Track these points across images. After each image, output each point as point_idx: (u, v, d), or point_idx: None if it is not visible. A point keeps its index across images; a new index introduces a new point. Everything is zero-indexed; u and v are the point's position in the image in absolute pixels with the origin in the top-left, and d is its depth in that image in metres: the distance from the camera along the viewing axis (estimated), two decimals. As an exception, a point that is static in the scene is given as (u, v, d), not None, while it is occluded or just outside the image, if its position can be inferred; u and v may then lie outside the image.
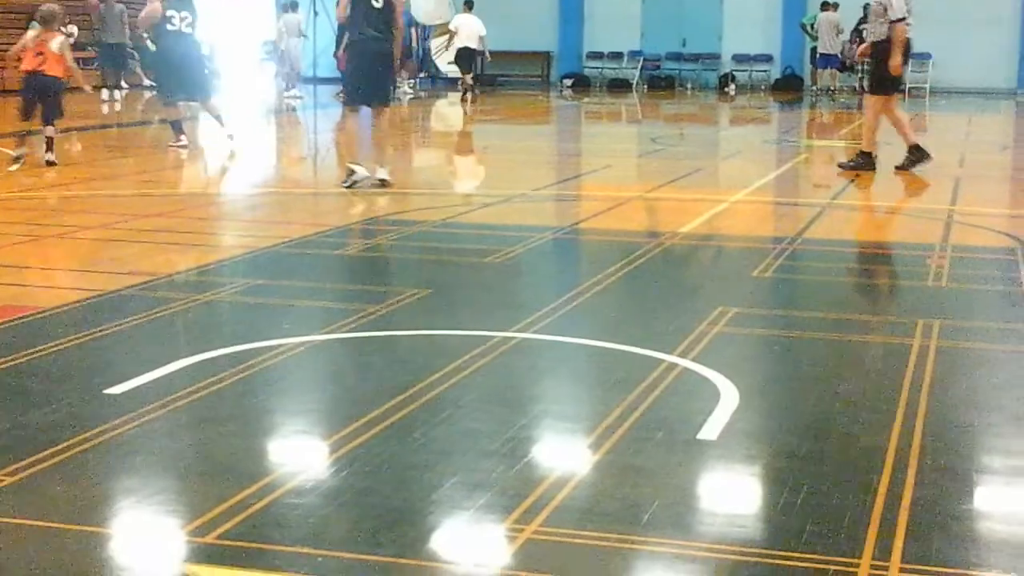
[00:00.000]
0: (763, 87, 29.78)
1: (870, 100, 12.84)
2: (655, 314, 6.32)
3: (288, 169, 14.16)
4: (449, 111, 24.93)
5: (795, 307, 6.73)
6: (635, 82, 30.68)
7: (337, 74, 26.64)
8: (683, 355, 5.30)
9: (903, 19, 12.24)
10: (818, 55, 26.91)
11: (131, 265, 7.28)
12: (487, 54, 25.97)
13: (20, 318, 5.90)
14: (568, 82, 30.65)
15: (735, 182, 12.11)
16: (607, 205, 10.38)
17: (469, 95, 24.75)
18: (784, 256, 7.95)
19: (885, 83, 12.56)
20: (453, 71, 30.60)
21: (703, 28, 30.21)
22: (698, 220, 9.56)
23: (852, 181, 12.17)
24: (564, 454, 4.18)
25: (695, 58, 30.60)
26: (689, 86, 30.11)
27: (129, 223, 9.00)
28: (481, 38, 25.08)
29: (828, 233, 9.06)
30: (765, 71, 30.13)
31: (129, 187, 11.24)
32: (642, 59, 30.99)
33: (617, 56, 31.20)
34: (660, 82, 30.53)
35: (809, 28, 27.41)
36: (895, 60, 12.23)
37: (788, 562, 3.30)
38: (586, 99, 27.44)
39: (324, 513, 3.58)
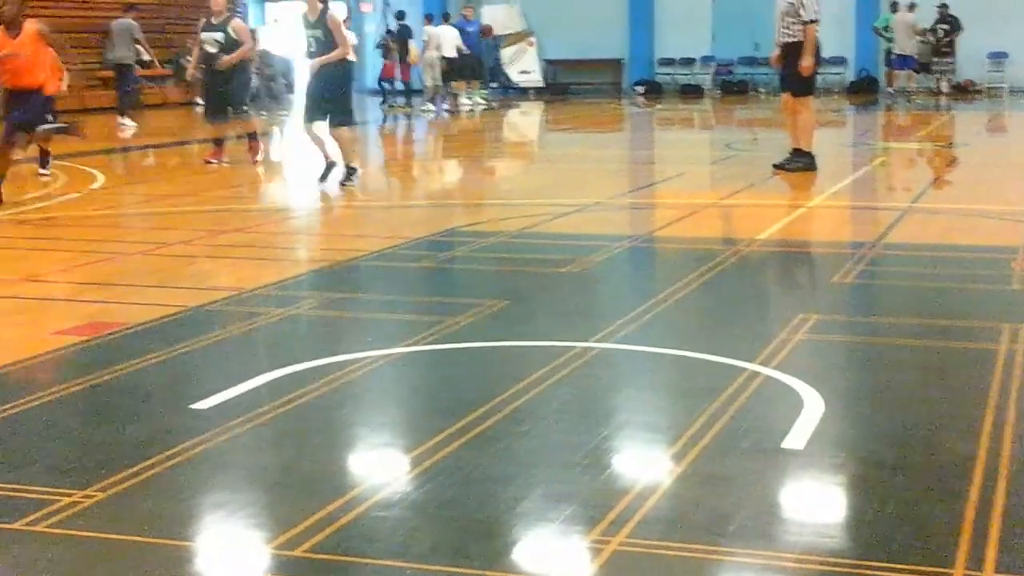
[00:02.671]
0: (838, 90, 29.49)
1: (802, 103, 12.94)
2: (735, 322, 6.28)
3: (363, 181, 14.25)
4: (521, 120, 24.97)
5: (878, 313, 6.67)
6: (707, 88, 30.52)
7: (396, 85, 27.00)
8: (765, 363, 5.26)
9: (815, 21, 12.52)
10: (894, 56, 26.62)
11: (212, 280, 7.37)
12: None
13: (106, 335, 6.00)
14: (640, 89, 30.56)
15: (812, 187, 12.00)
16: (683, 212, 10.34)
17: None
18: (865, 261, 7.87)
19: (805, 83, 12.81)
20: (525, 80, 30.72)
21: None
22: (776, 226, 9.49)
23: (934, 183, 12.01)
24: (648, 464, 4.17)
25: (768, 62, 30.36)
26: (763, 90, 29.87)
27: (211, 239, 9.12)
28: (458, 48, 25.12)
29: (909, 237, 8.95)
30: (839, 74, 29.82)
31: (207, 203, 11.38)
32: (714, 64, 30.83)
33: (689, 62, 31.07)
34: (733, 87, 30.34)
35: (882, 31, 27.13)
36: (806, 61, 12.51)
37: (879, 572, 3.26)
38: (658, 106, 27.35)
39: (410, 526, 3.60)
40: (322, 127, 12.17)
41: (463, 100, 25.68)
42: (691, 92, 30.28)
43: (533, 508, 3.71)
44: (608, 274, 7.83)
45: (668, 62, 31.29)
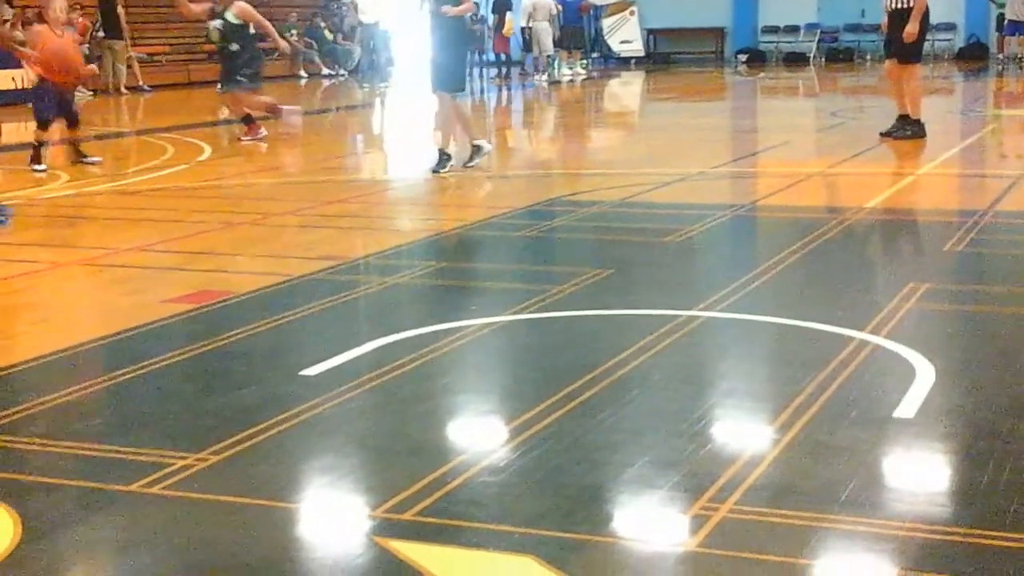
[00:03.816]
0: (947, 56, 28.89)
1: (908, 70, 12.61)
2: (843, 291, 6.19)
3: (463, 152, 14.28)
4: (623, 90, 24.84)
5: (990, 282, 6.53)
6: (812, 55, 30.08)
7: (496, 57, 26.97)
8: (875, 332, 5.18)
9: None
10: (1006, 22, 25.99)
11: (320, 249, 7.44)
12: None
13: (218, 302, 6.09)
14: (743, 57, 30.22)
15: (920, 155, 11.78)
16: (788, 181, 10.21)
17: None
18: (976, 230, 7.71)
19: (912, 50, 12.48)
20: (626, 50, 30.54)
21: (882, -2, 29.39)
22: (883, 195, 9.34)
23: None
24: (755, 433, 4.13)
25: (875, 28, 29.81)
26: (868, 58, 29.36)
27: (316, 209, 9.21)
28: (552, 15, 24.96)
29: (1022, 205, 8.74)
30: (948, 40, 29.22)
31: (311, 174, 11.49)
32: (819, 31, 30.37)
33: (793, 29, 30.64)
34: (838, 55, 29.88)
35: (994, -5, 26.55)
36: (912, 27, 12.17)
37: (993, 542, 3.20)
38: (761, 74, 27.02)
39: (518, 491, 3.61)
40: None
41: (564, 70, 25.62)
42: (795, 60, 29.86)
43: (640, 475, 3.70)
44: (712, 243, 7.77)
45: (772, 30, 30.90)
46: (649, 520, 3.43)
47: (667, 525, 3.39)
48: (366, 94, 23.24)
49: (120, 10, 22.54)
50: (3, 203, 8.65)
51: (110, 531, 3.42)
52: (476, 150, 11.06)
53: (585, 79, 25.77)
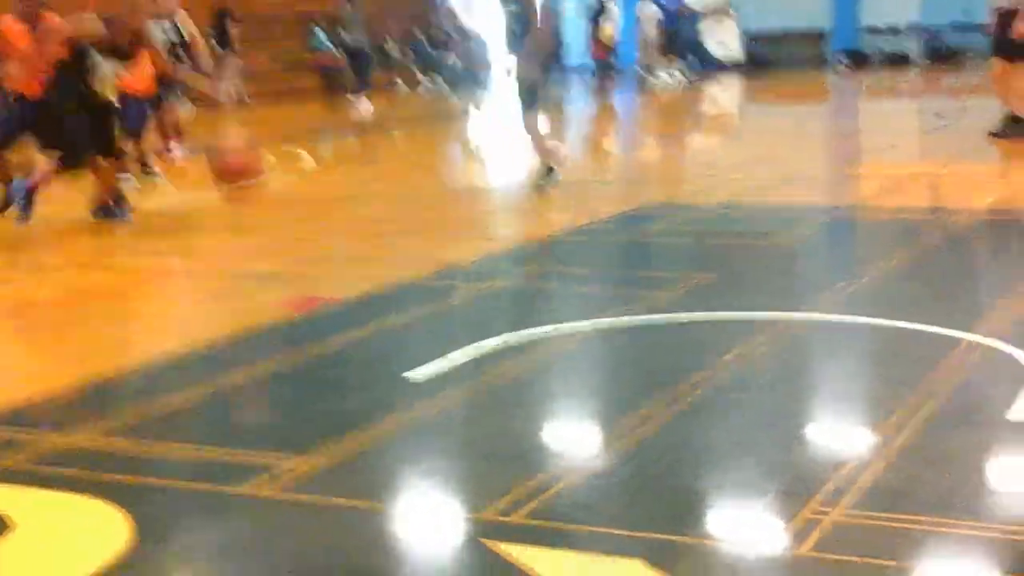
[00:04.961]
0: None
1: (1021, 68, 12.27)
2: (951, 291, 6.08)
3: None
4: (722, 94, 24.67)
5: (1104, 282, 6.36)
6: (915, 56, 29.59)
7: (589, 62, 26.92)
8: (984, 333, 5.07)
9: None
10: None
11: (418, 256, 7.48)
12: None
13: (321, 307, 6.16)
14: (844, 59, 29.83)
15: (1030, 154, 11.54)
16: (892, 183, 10.06)
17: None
18: (1089, 229, 7.53)
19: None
20: (724, 54, 30.30)
21: (987, -4, 28.82)
22: (992, 195, 9.15)
23: None
24: (864, 436, 4.06)
25: (979, 28, 29.24)
26: (972, 57, 28.78)
27: (416, 216, 9.27)
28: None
29: None
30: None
31: (408, 183, 11.56)
32: (922, 31, 29.86)
33: (895, 30, 30.16)
34: (942, 54, 29.35)
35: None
36: (1021, 26, 11.92)
37: (1115, 548, 3.12)
38: (863, 76, 26.65)
39: (625, 495, 3.59)
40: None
41: (662, 75, 25.55)
42: (897, 61, 29.40)
43: (747, 479, 3.66)
44: (816, 245, 7.68)
45: (874, 31, 30.43)
46: (758, 523, 3.38)
47: (776, 529, 3.34)
48: (463, 102, 23.35)
49: (229, 25, 22.86)
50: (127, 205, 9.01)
51: (222, 533, 3.46)
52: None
53: (683, 83, 25.64)
